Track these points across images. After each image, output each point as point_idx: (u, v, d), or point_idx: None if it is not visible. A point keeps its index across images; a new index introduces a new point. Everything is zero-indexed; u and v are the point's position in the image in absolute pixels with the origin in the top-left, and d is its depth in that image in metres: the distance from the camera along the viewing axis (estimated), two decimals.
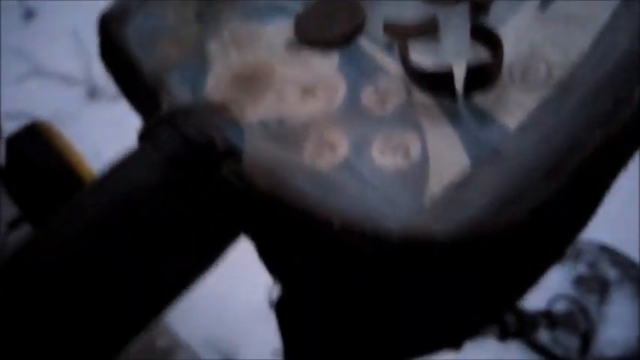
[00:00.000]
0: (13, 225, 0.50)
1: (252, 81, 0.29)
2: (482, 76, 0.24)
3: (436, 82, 0.25)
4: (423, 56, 0.27)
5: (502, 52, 0.25)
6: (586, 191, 0.23)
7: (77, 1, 1.15)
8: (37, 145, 0.58)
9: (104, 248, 0.26)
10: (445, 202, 0.23)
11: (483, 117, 0.24)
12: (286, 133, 0.27)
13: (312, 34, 0.29)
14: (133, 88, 0.32)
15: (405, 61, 0.26)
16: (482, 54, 0.26)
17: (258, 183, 0.26)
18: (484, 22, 0.27)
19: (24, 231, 0.51)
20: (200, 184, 0.27)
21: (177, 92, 0.30)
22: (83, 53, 1.11)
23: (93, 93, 1.11)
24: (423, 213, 0.23)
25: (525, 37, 0.26)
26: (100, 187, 0.27)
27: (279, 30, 0.31)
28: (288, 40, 0.30)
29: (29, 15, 1.21)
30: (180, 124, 0.28)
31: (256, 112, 0.28)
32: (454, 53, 0.27)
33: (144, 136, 0.28)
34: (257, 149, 0.26)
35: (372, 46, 0.28)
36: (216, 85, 0.29)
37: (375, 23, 0.29)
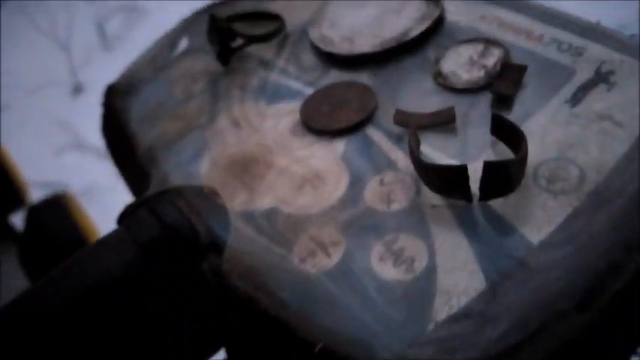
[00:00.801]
0: None
1: (248, 166, 0.26)
2: (502, 177, 0.21)
3: (448, 180, 0.21)
4: (436, 151, 0.24)
5: (526, 149, 0.21)
6: (626, 323, 0.19)
7: None
8: (56, 216, 0.57)
9: (65, 335, 0.23)
10: (451, 335, 0.18)
11: (502, 226, 0.20)
12: (276, 228, 0.23)
13: (319, 122, 0.26)
14: (127, 166, 0.30)
15: (413, 152, 0.22)
16: (505, 152, 0.23)
17: (237, 284, 0.22)
18: (506, 116, 0.24)
19: None
20: (177, 276, 0.24)
21: (168, 173, 0.27)
22: None
23: None
24: (423, 345, 0.18)
25: (554, 135, 0.23)
26: (70, 270, 0.24)
27: (285, 113, 0.28)
28: (293, 125, 0.27)
29: (78, 90, 1.25)
30: (160, 207, 0.25)
31: (248, 201, 0.25)
32: (471, 148, 0.23)
33: (121, 219, 0.25)
34: (241, 244, 0.23)
35: (380, 136, 0.25)
36: (210, 168, 0.27)
37: (387, 112, 0.26)
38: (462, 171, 0.21)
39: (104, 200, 1.04)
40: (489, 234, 0.20)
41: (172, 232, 0.24)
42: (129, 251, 0.24)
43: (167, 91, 0.31)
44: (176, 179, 0.26)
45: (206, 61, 0.32)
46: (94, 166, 1.13)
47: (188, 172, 0.27)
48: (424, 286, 0.20)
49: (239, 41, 0.31)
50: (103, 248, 0.24)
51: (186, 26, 0.34)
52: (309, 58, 0.30)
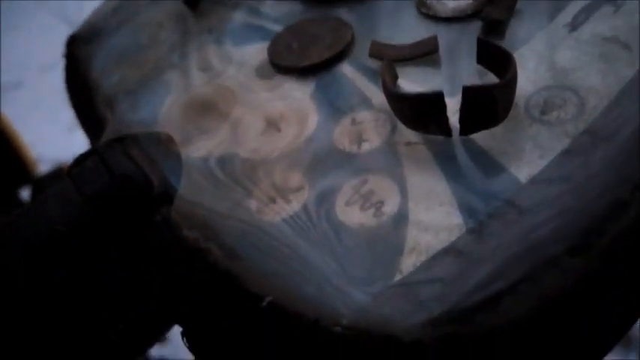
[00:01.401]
0: None
1: (206, 110, 0.23)
2: (485, 105, 0.17)
3: (423, 112, 0.18)
4: (417, 85, 0.21)
5: (514, 73, 0.18)
6: (630, 273, 0.16)
7: None
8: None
9: (10, 295, 0.21)
10: (419, 286, 0.15)
11: (487, 163, 0.17)
12: (233, 175, 0.20)
13: (287, 60, 0.24)
14: (87, 115, 0.27)
15: (385, 84, 0.19)
16: (490, 78, 0.20)
17: (187, 235, 0.20)
18: (496, 42, 0.21)
19: None
20: (127, 229, 0.21)
21: (124, 119, 0.24)
22: None
23: None
24: (387, 298, 0.15)
25: (550, 61, 0.19)
26: (13, 226, 0.22)
27: (253, 55, 0.25)
28: (260, 66, 0.24)
29: None
30: (111, 156, 0.22)
31: (207, 145, 0.22)
32: (457, 81, 0.20)
33: (70, 168, 0.23)
34: (193, 193, 0.20)
35: (355, 72, 0.22)
36: (168, 111, 0.24)
37: (364, 46, 0.23)
38: (437, 99, 0.17)
39: None
40: (471, 172, 0.17)
41: (123, 182, 0.22)
42: (74, 204, 0.21)
43: (131, 37, 0.29)
44: (133, 126, 0.24)
45: (173, 7, 0.29)
46: None
47: (145, 117, 0.24)
48: (393, 231, 0.17)
49: None
50: (48, 201, 0.22)
51: None
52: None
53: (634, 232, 0.15)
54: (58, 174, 0.60)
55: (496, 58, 0.19)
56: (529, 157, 0.17)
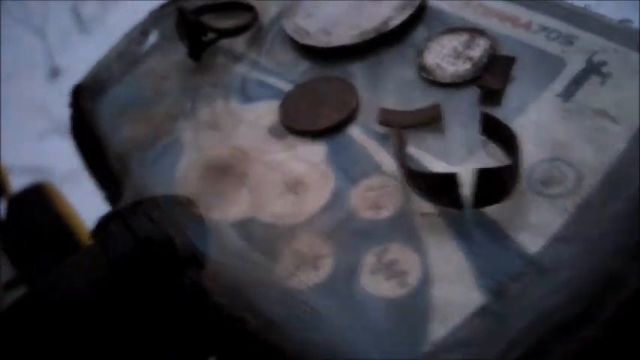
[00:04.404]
0: (10, 285, 0.46)
1: (224, 172, 0.24)
2: (496, 184, 0.19)
3: (438, 188, 0.19)
4: (422, 151, 0.22)
5: (519, 154, 0.19)
6: (630, 341, 0.17)
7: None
8: (37, 206, 0.54)
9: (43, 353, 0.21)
10: (450, 353, 0.17)
11: (497, 235, 0.19)
12: (258, 240, 0.21)
13: (298, 122, 0.24)
14: (98, 170, 0.27)
15: (399, 158, 0.20)
16: (496, 153, 0.21)
17: (220, 301, 0.20)
18: (495, 111, 0.22)
19: (21, 291, 0.47)
20: (154, 294, 0.22)
21: (141, 180, 0.25)
22: None
23: None
24: None
25: (547, 133, 0.21)
26: (40, 292, 0.22)
27: (262, 113, 0.26)
28: (272, 126, 0.25)
29: (55, 73, 1.20)
30: (134, 220, 0.22)
31: (227, 210, 0.22)
32: (460, 149, 0.21)
33: (95, 233, 0.23)
34: (221, 258, 0.21)
35: (364, 136, 0.23)
36: (184, 174, 0.24)
37: (369, 109, 0.24)
38: (452, 179, 0.19)
39: (87, 184, 1.00)
40: (484, 244, 0.19)
41: (148, 246, 0.22)
42: (101, 269, 0.21)
43: (136, 89, 0.29)
44: (150, 187, 0.24)
45: (176, 57, 0.29)
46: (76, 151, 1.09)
47: (162, 178, 0.24)
48: (419, 302, 0.18)
49: (210, 35, 0.29)
50: (74, 267, 0.22)
51: (154, 19, 0.31)
52: (284, 51, 0.28)
53: (633, 304, 0.17)
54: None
55: (499, 131, 0.20)
56: (535, 229, 0.18)
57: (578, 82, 0.22)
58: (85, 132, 0.28)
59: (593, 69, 0.22)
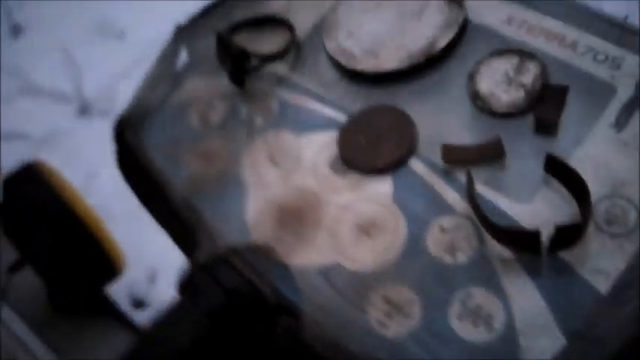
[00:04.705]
0: (14, 269, 0.47)
1: (297, 217, 0.25)
2: (573, 235, 0.21)
3: (520, 241, 0.21)
4: (487, 188, 0.23)
5: (591, 205, 0.21)
6: None
7: (65, 15, 1.07)
8: (33, 185, 0.54)
9: None
10: None
11: (570, 277, 0.21)
12: (348, 286, 0.22)
13: (360, 159, 0.25)
14: (160, 208, 0.28)
15: (477, 209, 0.22)
16: (558, 189, 0.22)
17: (317, 348, 0.22)
18: (551, 143, 0.23)
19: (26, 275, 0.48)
20: (248, 341, 0.23)
21: (212, 223, 0.26)
22: (73, 68, 1.04)
23: (84, 109, 1.05)
24: None
25: (606, 168, 0.22)
26: (146, 350, 0.23)
27: (320, 146, 0.26)
28: (332, 161, 0.26)
29: (17, 31, 1.13)
30: (220, 273, 0.24)
31: (309, 255, 0.24)
32: (524, 185, 0.23)
33: (183, 289, 0.24)
34: (313, 305, 0.22)
35: (426, 170, 0.24)
36: (257, 218, 0.25)
37: (427, 140, 0.25)
38: (536, 236, 0.20)
39: (65, 145, 0.98)
40: (558, 286, 0.21)
41: (237, 298, 0.23)
42: (196, 324, 0.23)
43: (181, 119, 0.29)
44: (223, 232, 0.25)
45: (215, 82, 0.29)
46: (50, 111, 1.06)
47: (234, 223, 0.25)
48: (506, 346, 0.20)
49: (253, 60, 0.28)
50: (172, 323, 0.23)
51: (182, 37, 0.31)
52: (329, 73, 0.28)
53: None
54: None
55: (563, 172, 0.22)
56: (603, 269, 0.20)
57: (629, 109, 0.23)
58: (134, 166, 0.28)
59: None
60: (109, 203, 0.71)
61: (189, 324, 0.23)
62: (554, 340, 0.20)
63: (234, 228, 0.25)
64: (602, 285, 0.20)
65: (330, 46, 0.28)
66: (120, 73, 0.97)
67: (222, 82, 0.29)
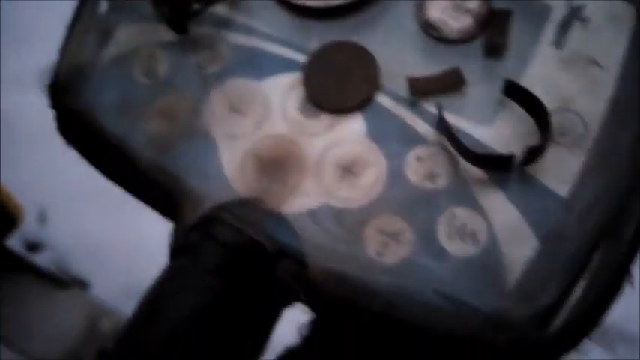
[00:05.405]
0: None
1: (280, 164, 0.25)
2: (538, 153, 0.24)
3: (494, 164, 0.24)
4: (452, 115, 0.25)
5: (550, 124, 0.24)
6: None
7: None
8: None
9: None
10: (527, 289, 0.23)
11: (536, 187, 0.24)
12: (341, 224, 0.24)
13: (331, 101, 0.26)
14: (127, 175, 0.27)
15: (455, 140, 0.24)
16: (518, 111, 0.25)
17: (326, 287, 0.24)
18: (500, 66, 0.26)
19: None
20: (255, 288, 0.24)
21: (190, 184, 0.25)
22: None
23: None
24: (511, 299, 0.22)
25: (552, 85, 0.25)
26: (155, 318, 0.23)
27: (284, 90, 0.27)
28: (300, 104, 0.26)
29: None
30: (215, 231, 0.24)
31: (299, 201, 0.25)
32: (485, 110, 0.25)
33: (181, 251, 0.24)
34: (316, 247, 0.24)
35: (393, 103, 0.26)
36: (237, 171, 0.25)
37: (388, 73, 0.26)
38: (509, 158, 0.23)
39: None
40: (528, 196, 0.24)
41: (237, 250, 0.24)
42: (205, 283, 0.23)
43: (123, 75, 0.27)
44: (205, 191, 0.25)
45: (152, 30, 0.27)
46: None
47: (214, 180, 0.25)
48: (492, 255, 0.23)
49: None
50: (175, 289, 0.24)
51: None
52: (275, 11, 0.27)
53: None
54: None
55: (522, 96, 0.24)
56: (562, 177, 0.24)
57: (565, 27, 0.26)
58: (87, 137, 0.27)
59: (575, 13, 0.26)
60: None
61: (194, 286, 0.23)
62: (530, 244, 0.23)
63: (215, 184, 0.25)
64: (563, 190, 0.24)
65: None
66: None
67: (160, 29, 0.28)
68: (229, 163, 0.25)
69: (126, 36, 0.28)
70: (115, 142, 0.26)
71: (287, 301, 0.25)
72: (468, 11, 0.26)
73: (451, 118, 0.25)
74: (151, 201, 0.27)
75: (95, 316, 0.64)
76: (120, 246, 0.85)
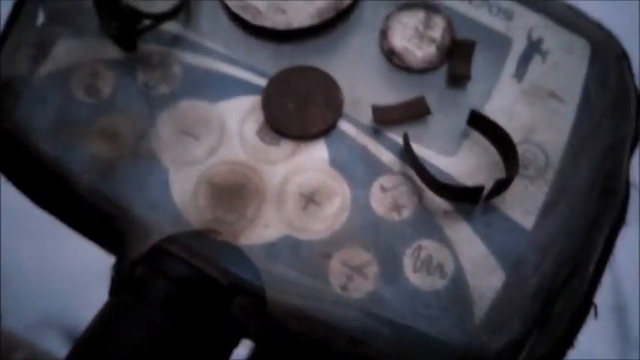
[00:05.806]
0: None
1: (237, 192, 0.24)
2: (505, 185, 0.23)
3: (462, 196, 0.23)
4: (415, 143, 0.25)
5: (517, 155, 0.23)
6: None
7: None
8: None
9: None
10: (495, 321, 0.22)
11: (501, 219, 0.23)
12: (303, 257, 0.23)
13: (292, 127, 0.24)
14: (64, 205, 0.24)
15: (422, 170, 0.23)
16: (480, 140, 0.25)
17: (287, 324, 0.22)
18: (463, 96, 0.25)
19: None
20: (206, 325, 0.23)
21: (136, 213, 0.23)
22: None
23: None
24: (479, 332, 0.22)
25: (514, 117, 0.25)
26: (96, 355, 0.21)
27: (241, 114, 0.25)
28: (259, 129, 0.25)
29: None
30: (163, 264, 0.22)
31: (257, 232, 0.23)
32: (448, 140, 0.25)
33: (125, 286, 0.22)
34: (276, 281, 0.22)
35: (356, 131, 0.25)
36: (188, 201, 0.24)
37: (350, 101, 0.25)
38: (478, 190, 0.23)
39: None
40: (493, 228, 0.23)
41: (187, 286, 0.22)
42: (151, 321, 0.21)
43: (62, 93, 0.25)
44: (152, 219, 0.23)
45: (95, 46, 0.25)
46: None
47: (162, 208, 0.23)
48: (458, 287, 0.23)
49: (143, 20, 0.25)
50: (116, 327, 0.21)
51: None
52: (231, 30, 0.26)
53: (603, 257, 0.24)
54: None
55: (486, 126, 0.24)
56: (526, 209, 0.24)
57: (525, 60, 0.26)
58: (20, 161, 0.24)
59: (534, 47, 0.26)
60: None
61: (139, 324, 0.21)
62: (497, 276, 0.23)
63: (164, 214, 0.23)
64: (528, 222, 0.24)
65: (231, 1, 0.26)
66: None
67: (104, 45, 0.26)
68: (180, 191, 0.24)
69: (66, 51, 0.25)
70: (50, 165, 0.24)
71: (241, 339, 0.24)
72: (432, 41, 0.26)
73: (415, 148, 0.25)
74: (90, 231, 0.25)
75: (8, 349, 0.59)
76: (31, 273, 0.80)
